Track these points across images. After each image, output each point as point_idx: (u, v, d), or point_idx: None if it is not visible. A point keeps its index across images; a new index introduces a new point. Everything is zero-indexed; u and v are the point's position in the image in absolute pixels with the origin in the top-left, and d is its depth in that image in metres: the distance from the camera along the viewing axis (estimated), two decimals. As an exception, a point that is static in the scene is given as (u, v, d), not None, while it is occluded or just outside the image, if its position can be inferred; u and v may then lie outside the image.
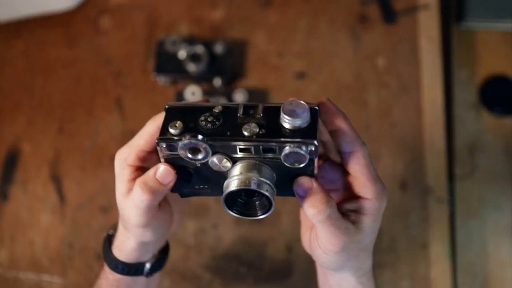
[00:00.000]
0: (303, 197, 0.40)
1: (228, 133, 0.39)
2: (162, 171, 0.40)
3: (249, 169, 0.39)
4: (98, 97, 0.85)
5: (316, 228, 0.42)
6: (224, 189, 0.40)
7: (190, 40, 0.84)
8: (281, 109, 0.38)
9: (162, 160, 0.41)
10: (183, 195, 0.45)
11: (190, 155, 0.40)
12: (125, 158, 0.44)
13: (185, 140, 0.38)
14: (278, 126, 0.39)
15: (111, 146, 0.83)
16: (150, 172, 0.41)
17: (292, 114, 0.38)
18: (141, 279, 0.50)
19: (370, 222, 0.42)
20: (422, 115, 0.83)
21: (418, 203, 0.79)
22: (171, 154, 0.40)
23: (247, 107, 0.40)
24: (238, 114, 0.39)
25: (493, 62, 0.88)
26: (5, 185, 0.82)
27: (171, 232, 0.51)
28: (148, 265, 0.49)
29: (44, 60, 0.88)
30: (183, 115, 0.41)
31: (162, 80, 0.84)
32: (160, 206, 0.44)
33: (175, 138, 0.39)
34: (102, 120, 0.84)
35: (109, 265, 0.49)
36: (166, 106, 0.42)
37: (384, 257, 0.77)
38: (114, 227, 0.50)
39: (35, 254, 0.79)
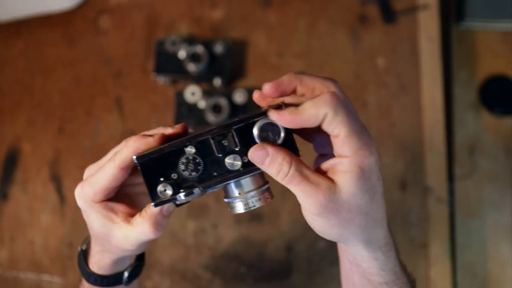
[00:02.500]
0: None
1: (215, 173, 0.40)
2: (167, 209, 0.43)
3: (244, 188, 0.42)
4: (98, 97, 0.85)
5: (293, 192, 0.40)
6: (230, 208, 0.43)
7: (190, 40, 0.84)
8: (256, 137, 0.39)
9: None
10: (177, 206, 0.45)
11: (186, 199, 0.41)
12: (91, 198, 0.44)
13: (183, 196, 0.40)
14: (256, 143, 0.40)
15: (111, 146, 0.82)
16: (156, 210, 0.42)
17: (268, 140, 0.40)
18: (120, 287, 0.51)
19: (350, 179, 0.38)
20: (422, 115, 0.83)
21: (418, 203, 0.79)
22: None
23: (218, 140, 0.40)
24: (214, 150, 0.40)
25: (493, 62, 0.88)
26: (5, 185, 0.82)
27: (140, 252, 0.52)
28: (126, 274, 0.50)
29: (44, 60, 0.88)
30: (160, 169, 0.41)
31: (162, 80, 0.84)
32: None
33: (171, 198, 0.41)
34: (102, 120, 0.84)
35: (88, 279, 0.49)
36: (136, 161, 0.42)
37: (384, 257, 0.77)
38: (86, 242, 0.51)
39: (35, 254, 0.79)
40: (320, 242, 0.77)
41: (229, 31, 0.87)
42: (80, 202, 0.45)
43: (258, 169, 0.40)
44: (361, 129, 0.39)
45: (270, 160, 0.39)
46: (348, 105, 0.41)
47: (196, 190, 0.40)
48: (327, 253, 0.77)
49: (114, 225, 0.44)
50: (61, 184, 0.82)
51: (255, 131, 0.40)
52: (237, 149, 0.40)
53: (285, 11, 0.88)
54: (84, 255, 0.50)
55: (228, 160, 0.40)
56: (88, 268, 0.49)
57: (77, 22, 0.89)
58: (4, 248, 0.80)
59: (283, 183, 0.39)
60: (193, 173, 0.40)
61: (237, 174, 0.40)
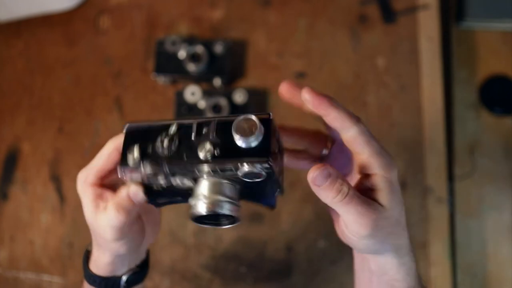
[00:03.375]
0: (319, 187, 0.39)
1: (185, 156, 0.39)
2: (133, 192, 0.42)
3: (211, 189, 0.40)
4: (98, 97, 0.85)
5: (342, 217, 0.41)
6: (191, 208, 0.41)
7: (190, 40, 0.84)
8: (232, 128, 0.38)
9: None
10: (158, 206, 0.46)
11: (151, 180, 0.41)
12: (85, 179, 0.46)
13: (143, 169, 0.40)
14: (233, 144, 0.38)
15: (111, 146, 0.83)
16: (122, 194, 0.43)
17: (243, 133, 0.37)
18: None
19: (388, 195, 0.41)
20: (422, 115, 0.83)
21: (418, 203, 0.79)
22: (134, 179, 0.42)
23: (200, 125, 0.40)
24: (192, 135, 0.40)
25: (493, 62, 0.88)
26: (5, 185, 0.82)
27: (148, 244, 0.52)
28: (124, 278, 0.50)
29: (43, 60, 0.88)
30: (141, 138, 0.41)
31: (161, 80, 0.84)
32: (135, 221, 0.47)
33: (134, 167, 0.40)
34: (102, 120, 0.84)
35: (88, 280, 0.50)
36: (125, 128, 0.42)
37: (384, 257, 0.77)
38: (90, 247, 0.52)
39: (35, 254, 0.79)
40: (320, 242, 0.77)
41: (229, 31, 0.87)
42: (78, 185, 0.46)
43: (230, 170, 0.39)
44: (379, 145, 0.42)
45: (331, 180, 0.39)
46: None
47: (160, 171, 0.39)
48: (327, 253, 0.77)
49: (97, 212, 0.45)
50: (61, 184, 0.82)
51: (233, 125, 0.38)
52: (211, 138, 0.39)
53: (285, 11, 0.88)
54: (87, 256, 0.51)
55: (201, 147, 0.39)
56: (88, 268, 0.50)
57: (77, 22, 0.89)
58: (4, 248, 0.80)
59: (340, 203, 0.39)
60: (165, 151, 0.39)
61: (208, 169, 0.39)
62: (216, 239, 0.78)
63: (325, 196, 0.39)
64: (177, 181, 0.41)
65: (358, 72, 0.85)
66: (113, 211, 0.43)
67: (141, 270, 0.52)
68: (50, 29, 0.89)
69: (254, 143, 0.38)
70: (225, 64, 0.83)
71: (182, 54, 0.83)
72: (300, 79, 0.85)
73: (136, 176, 0.41)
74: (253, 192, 0.43)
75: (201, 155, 0.39)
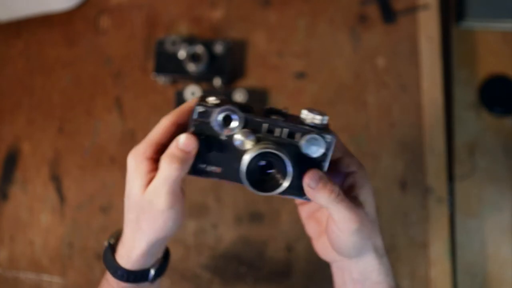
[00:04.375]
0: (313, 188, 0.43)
1: (258, 115, 0.43)
2: (185, 139, 0.42)
3: (268, 145, 0.43)
4: (98, 97, 0.85)
5: (334, 216, 0.44)
6: (243, 164, 0.43)
7: (190, 40, 0.84)
8: (301, 110, 0.44)
9: (190, 130, 0.43)
10: (195, 173, 0.45)
11: (221, 123, 0.42)
12: (142, 152, 0.44)
13: (223, 107, 0.42)
14: (300, 121, 0.44)
15: (111, 146, 0.83)
16: (172, 145, 0.42)
17: (312, 111, 0.44)
18: (144, 285, 0.50)
19: (367, 191, 0.46)
20: (422, 115, 0.83)
21: (418, 203, 0.79)
22: (202, 121, 0.43)
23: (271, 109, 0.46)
24: (265, 107, 0.45)
25: (493, 62, 0.88)
26: (5, 184, 0.82)
27: (172, 234, 0.50)
28: (152, 271, 0.49)
29: (43, 60, 0.88)
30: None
31: (161, 80, 0.84)
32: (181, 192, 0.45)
33: (214, 103, 0.43)
34: (101, 120, 0.84)
35: (114, 274, 0.48)
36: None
37: (384, 257, 0.77)
38: (115, 236, 0.50)
39: (35, 254, 0.79)
40: (320, 242, 0.77)
41: (229, 31, 0.87)
42: (130, 160, 0.44)
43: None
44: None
45: (324, 182, 0.43)
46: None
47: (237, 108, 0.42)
48: (327, 253, 0.77)
49: (149, 183, 0.43)
50: (61, 184, 0.82)
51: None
52: (283, 111, 0.46)
53: (285, 11, 0.88)
54: (111, 249, 0.49)
55: (273, 115, 0.45)
56: (115, 261, 0.48)
57: (77, 22, 0.89)
58: (4, 248, 0.80)
59: (335, 201, 0.43)
60: (241, 107, 0.43)
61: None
62: (216, 239, 0.78)
63: (320, 197, 0.43)
64: (240, 136, 0.43)
65: (358, 72, 0.85)
66: (165, 163, 0.41)
67: (164, 261, 0.51)
68: (50, 29, 0.89)
69: (321, 122, 0.45)
70: (225, 64, 0.83)
71: (182, 54, 0.83)
72: (300, 79, 0.85)
73: (204, 120, 0.43)
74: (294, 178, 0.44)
75: (274, 117, 0.44)
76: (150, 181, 0.43)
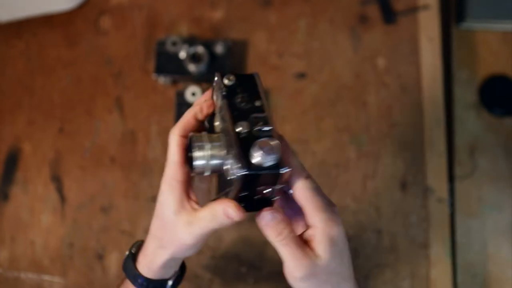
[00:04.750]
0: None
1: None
2: (234, 212, 0.44)
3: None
4: (98, 97, 0.85)
5: (281, 256, 0.45)
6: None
7: (190, 41, 0.84)
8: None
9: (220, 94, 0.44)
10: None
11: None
12: (172, 176, 0.47)
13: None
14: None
15: (111, 146, 0.83)
16: (220, 207, 0.44)
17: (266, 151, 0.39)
18: None
19: (325, 247, 0.44)
20: (422, 115, 0.83)
21: (418, 203, 0.79)
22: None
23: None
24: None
25: (493, 62, 0.88)
26: (6, 185, 0.82)
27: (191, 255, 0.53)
28: (170, 282, 0.52)
29: (44, 60, 0.88)
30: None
31: (162, 80, 0.84)
32: None
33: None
34: (102, 120, 0.84)
35: (134, 282, 0.50)
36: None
37: (384, 257, 0.77)
38: (136, 246, 0.52)
39: (35, 254, 0.79)
40: (320, 242, 0.77)
41: (229, 32, 0.87)
42: (163, 184, 0.47)
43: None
44: (326, 201, 0.45)
45: (275, 223, 0.44)
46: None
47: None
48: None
49: (182, 213, 0.45)
50: (62, 184, 0.82)
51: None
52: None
53: (285, 12, 0.88)
54: (133, 258, 0.51)
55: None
56: (137, 269, 0.50)
57: (78, 23, 0.89)
58: (5, 248, 0.80)
59: (279, 243, 0.44)
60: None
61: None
62: (216, 239, 0.78)
63: (267, 234, 0.44)
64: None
65: (358, 72, 0.85)
66: (210, 219, 0.44)
67: (181, 273, 0.54)
68: (51, 30, 0.89)
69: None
70: (225, 65, 0.83)
71: (182, 54, 0.83)
72: (300, 79, 0.85)
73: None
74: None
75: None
76: (182, 205, 0.46)
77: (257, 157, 0.39)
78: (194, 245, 0.46)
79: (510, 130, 0.85)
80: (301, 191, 0.44)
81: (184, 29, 0.88)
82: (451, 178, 0.83)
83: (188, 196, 0.46)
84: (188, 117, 0.47)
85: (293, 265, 0.44)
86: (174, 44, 0.84)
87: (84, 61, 0.87)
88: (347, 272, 0.47)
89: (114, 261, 0.78)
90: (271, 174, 0.40)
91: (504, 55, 0.88)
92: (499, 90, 0.87)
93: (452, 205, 0.81)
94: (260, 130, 0.40)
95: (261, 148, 0.39)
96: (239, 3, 0.88)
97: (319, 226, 0.44)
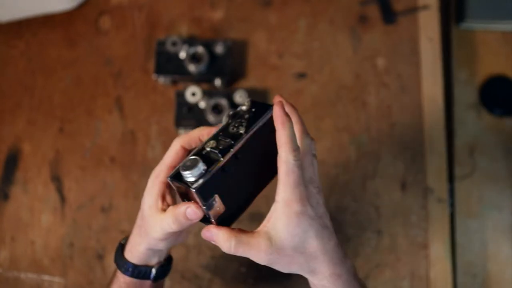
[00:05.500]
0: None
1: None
2: (192, 212, 0.47)
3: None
4: (99, 97, 0.86)
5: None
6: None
7: (190, 41, 0.84)
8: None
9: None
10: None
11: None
12: (156, 175, 0.52)
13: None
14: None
15: (111, 146, 0.83)
16: (181, 209, 0.48)
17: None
18: (147, 284, 0.56)
19: (280, 224, 0.46)
20: (422, 116, 0.83)
21: (418, 203, 0.79)
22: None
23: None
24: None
25: (493, 62, 0.88)
26: (6, 185, 0.82)
27: (178, 243, 0.58)
28: (154, 271, 0.56)
29: (44, 61, 0.88)
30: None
31: (162, 80, 0.84)
32: (181, 232, 0.53)
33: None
34: (102, 120, 0.84)
35: (121, 268, 0.56)
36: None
37: (384, 257, 0.78)
38: (126, 237, 0.58)
39: (35, 254, 0.79)
40: (320, 242, 0.77)
41: (229, 32, 0.87)
42: (149, 180, 0.52)
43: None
44: (298, 181, 0.45)
45: (217, 239, 0.47)
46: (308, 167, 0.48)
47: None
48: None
49: (155, 210, 0.51)
50: (62, 184, 0.82)
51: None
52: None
53: (285, 12, 0.88)
54: (122, 248, 0.57)
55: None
56: (123, 256, 0.56)
57: (78, 23, 0.89)
58: (5, 248, 0.80)
59: (232, 252, 0.47)
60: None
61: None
62: (217, 239, 0.78)
63: (220, 247, 0.47)
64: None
65: (358, 72, 0.85)
66: (170, 220, 0.49)
67: (167, 264, 0.58)
68: (51, 30, 0.89)
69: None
70: (225, 65, 0.83)
71: (182, 54, 0.83)
72: (300, 80, 0.85)
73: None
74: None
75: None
76: (156, 204, 0.51)
77: (181, 170, 0.45)
78: (163, 240, 0.52)
79: (510, 130, 0.85)
80: (279, 163, 0.45)
81: (184, 29, 0.88)
82: (451, 178, 0.83)
83: (163, 198, 0.51)
84: (196, 134, 0.52)
85: (254, 259, 0.47)
86: (174, 44, 0.84)
87: (84, 61, 0.87)
88: (316, 253, 0.47)
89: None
90: (184, 186, 0.45)
91: (504, 55, 0.88)
92: (499, 90, 0.87)
93: (452, 205, 0.81)
94: (210, 150, 0.46)
95: (183, 164, 0.45)
96: (239, 3, 0.89)
97: (279, 202, 0.46)
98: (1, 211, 0.82)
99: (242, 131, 0.47)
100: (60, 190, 0.82)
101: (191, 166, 0.44)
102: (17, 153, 0.84)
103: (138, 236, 0.54)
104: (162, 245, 0.54)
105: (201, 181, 0.44)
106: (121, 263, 0.56)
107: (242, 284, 0.77)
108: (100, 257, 0.78)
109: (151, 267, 0.56)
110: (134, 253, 0.55)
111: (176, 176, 0.46)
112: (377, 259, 0.78)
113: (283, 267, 0.48)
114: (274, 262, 0.47)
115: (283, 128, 0.45)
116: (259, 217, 0.79)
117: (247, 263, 0.77)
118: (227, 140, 0.46)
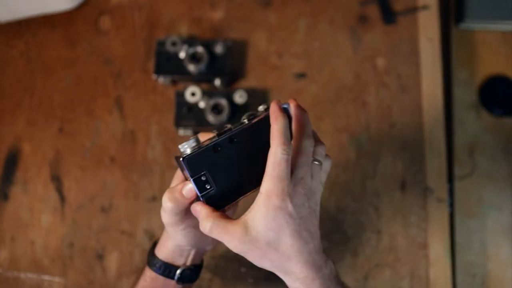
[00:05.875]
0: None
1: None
2: (187, 189, 0.50)
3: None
4: (98, 97, 0.86)
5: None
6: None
7: (190, 41, 0.84)
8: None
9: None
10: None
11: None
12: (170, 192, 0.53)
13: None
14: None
15: (111, 146, 0.83)
16: (178, 187, 0.50)
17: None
18: (171, 284, 0.58)
19: (258, 216, 0.46)
20: (422, 116, 0.83)
21: (418, 203, 0.79)
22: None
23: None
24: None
25: (492, 62, 0.88)
26: (6, 185, 0.82)
27: (206, 252, 0.61)
28: (178, 271, 0.58)
29: (44, 61, 0.88)
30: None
31: (162, 80, 0.84)
32: (189, 215, 0.52)
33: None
34: (102, 120, 0.84)
35: (149, 263, 0.59)
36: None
37: (384, 257, 0.78)
38: (156, 239, 0.61)
39: (35, 254, 0.80)
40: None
41: (229, 32, 0.87)
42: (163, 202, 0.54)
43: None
44: (284, 175, 0.46)
45: (199, 216, 0.48)
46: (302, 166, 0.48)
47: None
48: (327, 253, 0.77)
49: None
50: (62, 184, 0.82)
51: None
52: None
53: (285, 12, 0.88)
54: (154, 246, 0.60)
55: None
56: (153, 252, 0.59)
57: (78, 23, 0.89)
58: (5, 248, 0.80)
59: (206, 233, 0.48)
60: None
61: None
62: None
63: (199, 225, 0.49)
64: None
65: (358, 72, 0.85)
66: (166, 197, 0.51)
67: (194, 269, 0.59)
68: (51, 30, 0.89)
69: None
70: (225, 65, 0.83)
71: (182, 54, 0.83)
72: (300, 80, 0.85)
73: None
74: None
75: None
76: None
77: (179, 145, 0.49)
78: (172, 224, 0.53)
79: (510, 130, 0.85)
80: (269, 155, 0.46)
81: (184, 29, 0.88)
82: (450, 178, 0.83)
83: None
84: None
85: (227, 245, 0.48)
86: (174, 44, 0.84)
87: (84, 61, 0.87)
88: (290, 252, 0.47)
89: (114, 261, 0.78)
90: (179, 161, 0.48)
91: (504, 55, 0.88)
92: (498, 90, 0.87)
93: (451, 205, 0.81)
94: (212, 136, 0.50)
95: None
96: (239, 3, 0.89)
97: (262, 194, 0.46)
98: (1, 211, 0.82)
99: (245, 121, 0.51)
100: (60, 190, 0.82)
101: (186, 141, 0.48)
102: (17, 153, 0.84)
103: (166, 235, 0.57)
104: (178, 238, 0.55)
105: (190, 152, 0.47)
106: (150, 258, 0.59)
107: (242, 284, 0.77)
108: (100, 257, 0.78)
109: (177, 267, 0.58)
110: (162, 249, 0.58)
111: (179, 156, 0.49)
112: (377, 259, 0.78)
113: (255, 260, 0.48)
114: (247, 252, 0.48)
115: (275, 122, 0.47)
116: (259, 217, 0.79)
117: (247, 263, 0.77)
118: (229, 127, 0.50)
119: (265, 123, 0.49)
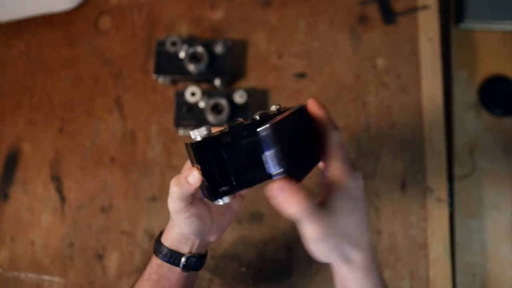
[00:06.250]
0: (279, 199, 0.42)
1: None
2: (192, 175, 0.49)
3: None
4: (98, 97, 0.86)
5: (299, 224, 0.44)
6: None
7: (190, 41, 0.84)
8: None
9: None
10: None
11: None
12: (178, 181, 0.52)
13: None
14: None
15: (111, 146, 0.83)
16: (184, 174, 0.50)
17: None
18: (177, 271, 0.59)
19: (338, 201, 0.44)
20: (422, 115, 0.83)
21: (418, 203, 0.79)
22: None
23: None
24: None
25: (492, 62, 0.88)
26: (6, 185, 0.82)
27: (210, 243, 0.61)
28: (183, 259, 0.58)
29: (44, 61, 0.88)
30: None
31: (162, 80, 0.84)
32: (194, 204, 0.53)
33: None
34: (102, 120, 0.84)
35: (155, 250, 0.59)
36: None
37: (384, 257, 0.78)
38: (163, 230, 0.61)
39: (35, 254, 0.80)
40: (320, 242, 0.77)
41: (229, 32, 0.87)
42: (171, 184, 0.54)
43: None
44: (348, 156, 0.46)
45: (289, 195, 0.41)
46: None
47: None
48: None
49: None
50: (62, 184, 0.82)
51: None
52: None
53: (285, 12, 0.88)
54: (160, 234, 0.60)
55: None
56: (160, 240, 0.59)
57: (78, 23, 0.89)
58: (5, 248, 0.80)
59: (301, 215, 0.42)
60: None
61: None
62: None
63: (287, 208, 0.42)
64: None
65: (358, 72, 0.85)
66: (173, 182, 0.51)
67: (199, 258, 0.59)
68: (51, 30, 0.89)
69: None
70: (225, 65, 0.83)
71: (182, 54, 0.83)
72: (300, 80, 0.85)
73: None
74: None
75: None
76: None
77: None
78: (178, 211, 0.53)
79: (509, 130, 0.85)
80: (327, 140, 0.46)
81: (184, 29, 0.88)
82: (450, 178, 0.83)
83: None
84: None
85: (311, 228, 0.43)
86: (174, 44, 0.84)
87: (84, 61, 0.87)
88: (357, 237, 0.45)
89: (114, 261, 0.78)
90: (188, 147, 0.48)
91: (504, 55, 0.88)
92: (498, 90, 0.87)
93: (451, 205, 0.82)
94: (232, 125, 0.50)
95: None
96: (239, 3, 0.89)
97: (336, 176, 0.44)
98: (1, 211, 0.82)
99: (257, 117, 0.50)
100: (60, 190, 0.82)
101: (198, 128, 0.48)
102: (17, 153, 0.84)
103: (172, 221, 0.58)
104: (183, 226, 0.54)
105: (199, 139, 0.47)
106: (157, 245, 0.59)
107: (242, 284, 0.77)
108: (100, 257, 0.78)
109: (182, 254, 0.58)
110: (168, 236, 0.58)
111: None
112: (377, 259, 0.78)
113: (327, 250, 0.45)
114: (323, 241, 0.44)
115: (323, 110, 0.48)
116: (259, 217, 0.79)
117: (247, 263, 0.78)
118: (240, 120, 0.50)
119: (296, 116, 0.49)
